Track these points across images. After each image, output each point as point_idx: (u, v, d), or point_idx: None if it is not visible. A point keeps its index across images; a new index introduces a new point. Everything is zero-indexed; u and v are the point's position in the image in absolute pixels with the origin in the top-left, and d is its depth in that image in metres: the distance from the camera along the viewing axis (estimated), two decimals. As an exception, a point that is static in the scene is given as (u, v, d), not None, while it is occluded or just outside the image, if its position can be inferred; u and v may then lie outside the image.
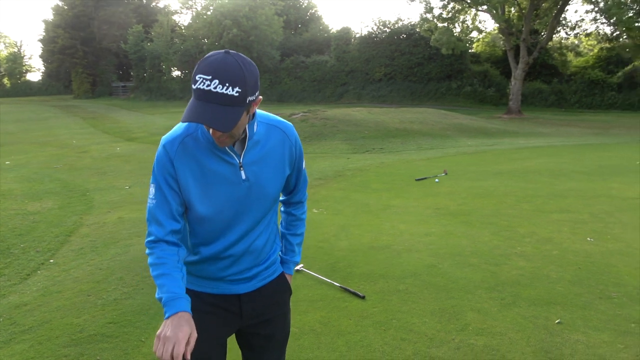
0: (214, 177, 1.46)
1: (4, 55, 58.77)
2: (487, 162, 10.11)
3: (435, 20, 26.46)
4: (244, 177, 1.49)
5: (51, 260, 4.97)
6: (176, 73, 41.72)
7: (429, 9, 26.39)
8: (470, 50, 31.24)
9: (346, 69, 34.72)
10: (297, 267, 4.19)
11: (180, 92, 39.51)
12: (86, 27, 44.32)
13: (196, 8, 40.75)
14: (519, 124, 20.21)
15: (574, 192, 6.98)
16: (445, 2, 25.77)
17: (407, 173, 8.88)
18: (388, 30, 34.23)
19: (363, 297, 3.57)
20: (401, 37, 33.55)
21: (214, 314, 1.59)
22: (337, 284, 3.81)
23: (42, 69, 54.72)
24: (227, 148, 1.44)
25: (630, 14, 21.42)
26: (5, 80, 55.77)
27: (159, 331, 1.33)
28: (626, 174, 8.36)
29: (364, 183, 8.22)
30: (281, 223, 1.82)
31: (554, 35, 26.11)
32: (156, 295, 1.42)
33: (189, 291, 1.50)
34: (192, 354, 1.34)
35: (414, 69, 32.55)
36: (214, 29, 35.11)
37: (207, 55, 1.32)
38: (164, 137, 1.49)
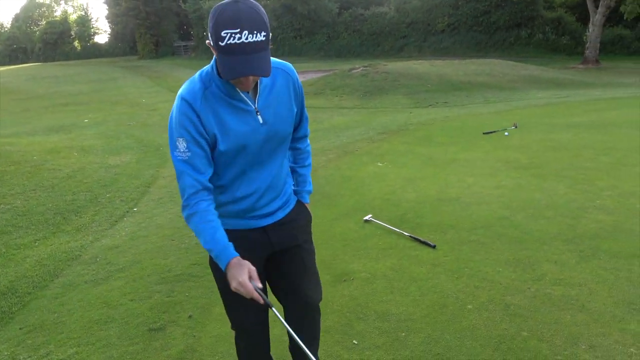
0: (235, 125, 1.52)
1: (73, 18, 61.40)
2: (560, 115, 9.53)
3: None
4: (261, 121, 1.57)
5: (135, 209, 5.36)
6: (234, 31, 41.96)
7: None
8: (543, -6, 28.88)
9: (407, 21, 33.29)
10: (366, 217, 4.26)
11: (239, 49, 39.78)
12: (148, -12, 45.16)
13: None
14: (596, 74, 18.74)
15: (660, 144, 6.47)
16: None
17: (474, 127, 8.59)
18: (453, -24, 32.21)
19: (434, 247, 3.60)
20: (467, -17, 31.49)
21: (245, 245, 1.65)
22: (407, 234, 3.85)
23: (109, 31, 56.79)
24: (242, 95, 1.51)
25: None
26: (76, 44, 58.53)
27: (232, 285, 1.47)
28: None
29: (428, 137, 8.05)
30: (289, 158, 1.89)
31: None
32: (204, 246, 1.54)
33: (228, 231, 1.60)
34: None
35: (480, 18, 30.63)
36: (271, -16, 34.64)
37: (219, 10, 1.32)
38: (184, 93, 1.51)
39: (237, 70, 1.35)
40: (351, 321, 2.73)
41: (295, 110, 1.70)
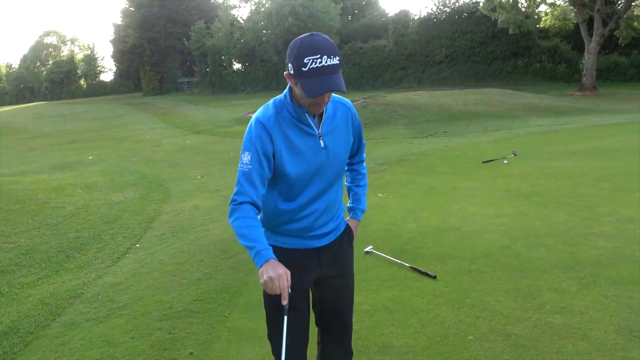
0: (301, 147, 1.74)
1: (80, 58, 63.00)
2: (560, 142, 9.62)
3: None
4: (322, 145, 1.77)
5: (137, 245, 5.39)
6: (237, 66, 42.83)
7: (492, -15, 25.17)
8: (537, 26, 29.49)
9: (405, 53, 34.00)
10: (367, 249, 4.27)
11: (242, 85, 40.52)
12: (152, 27, 46.48)
13: (254, 1, 41.45)
14: (594, 100, 18.94)
15: (660, 169, 6.50)
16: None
17: (474, 155, 8.66)
18: (448, 10, 33.06)
19: (434, 277, 3.60)
20: (462, 16, 32.28)
21: (297, 265, 1.79)
22: (407, 264, 3.85)
23: (114, 69, 58.12)
24: (309, 120, 1.73)
25: None
26: (82, 82, 59.84)
27: (263, 278, 1.60)
28: None
29: (429, 167, 8.12)
30: (346, 179, 2.11)
31: (633, 3, 24.06)
32: (245, 243, 1.67)
33: (276, 248, 1.75)
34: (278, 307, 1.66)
35: (477, 49, 31.25)
36: (273, 20, 35.61)
37: (298, 42, 1.58)
38: (259, 116, 1.73)
39: (320, 88, 1.57)
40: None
41: (352, 140, 1.92)
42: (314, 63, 1.53)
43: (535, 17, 26.87)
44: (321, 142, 1.76)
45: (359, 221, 2.10)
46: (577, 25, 25.20)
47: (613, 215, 4.67)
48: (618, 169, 6.74)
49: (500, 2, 24.76)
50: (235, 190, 1.73)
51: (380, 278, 3.72)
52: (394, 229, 4.92)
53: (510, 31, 25.08)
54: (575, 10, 24.25)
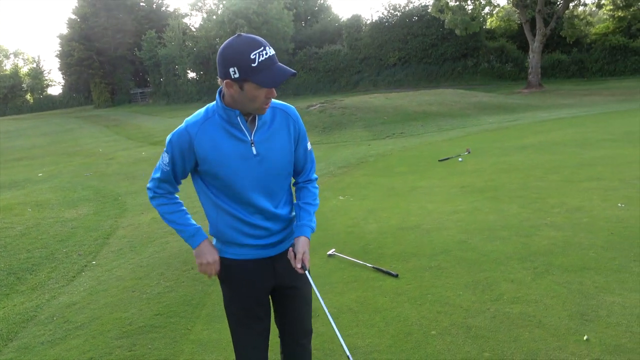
0: (229, 152, 1.71)
1: (25, 72, 60.30)
2: (511, 138, 10.00)
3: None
4: (254, 152, 1.74)
5: (93, 262, 5.20)
6: (191, 75, 42.19)
7: (440, -12, 25.96)
8: (484, 27, 30.63)
9: (359, 57, 34.51)
10: (330, 252, 4.29)
11: (197, 94, 39.93)
12: (100, 38, 45.14)
13: (206, 9, 41.00)
14: (540, 97, 19.82)
15: (603, 160, 6.88)
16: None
17: (430, 155, 8.88)
18: (399, 13, 33.84)
19: (396, 276, 3.65)
20: (413, 19, 33.12)
21: (253, 276, 1.88)
22: (370, 265, 3.90)
23: (62, 82, 56.01)
24: (242, 125, 1.71)
25: None
26: (28, 96, 57.27)
27: (198, 260, 1.84)
28: (655, 138, 8.17)
29: (388, 167, 8.26)
30: (296, 199, 2.01)
31: (571, 4, 25.38)
32: (176, 226, 1.85)
33: (233, 261, 1.86)
34: (243, 309, 1.88)
35: (428, 51, 32.13)
36: (226, 28, 35.32)
37: (230, 43, 1.57)
38: (188, 120, 1.75)
39: (278, 76, 1.58)
40: (318, 359, 2.72)
41: (294, 148, 1.85)
42: (261, 56, 1.54)
43: (481, 19, 27.88)
44: (253, 149, 1.73)
45: (308, 239, 1.88)
46: (521, 26, 26.36)
47: (562, 206, 4.89)
48: (564, 161, 7.07)
49: (447, 3, 25.56)
50: (153, 183, 1.84)
51: (344, 280, 3.74)
52: (355, 230, 4.96)
53: (458, 32, 25.94)
54: (518, 11, 25.34)
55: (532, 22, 24.29)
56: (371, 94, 21.45)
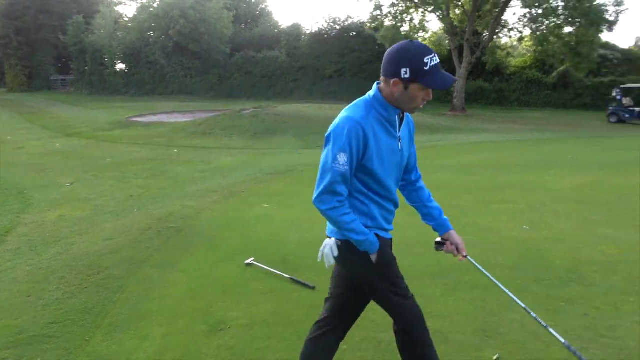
0: (385, 146, 1.89)
1: None
2: (433, 157, 10.45)
3: (383, 18, 26.92)
4: (400, 147, 1.96)
5: (-15, 261, 4.70)
6: (120, 66, 40.10)
7: (378, 6, 26.81)
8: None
9: (297, 65, 34.68)
10: (248, 261, 4.19)
11: (125, 86, 38.03)
12: (21, 16, 41.67)
13: (141, 0, 39.28)
14: (463, 120, 20.99)
15: (513, 184, 7.37)
16: (394, 1, 26.25)
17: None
18: (338, 27, 34.49)
19: (313, 288, 3.64)
20: (351, 34, 33.90)
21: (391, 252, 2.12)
22: (287, 276, 3.85)
23: (-29, 60, 50.91)
24: (396, 122, 1.90)
25: (560, 22, 22.81)
26: None
27: (374, 259, 1.98)
28: (559, 167, 8.92)
29: (315, 177, 8.28)
30: (414, 201, 2.29)
31: (494, 37, 27.25)
32: (356, 237, 1.92)
33: (379, 238, 2.02)
34: (397, 277, 2.10)
35: (364, 66, 32.99)
36: (161, 21, 34.08)
37: (406, 46, 1.77)
38: (354, 116, 1.83)
39: (447, 80, 1.78)
40: (225, 373, 2.62)
41: (413, 148, 2.11)
42: (432, 61, 1.74)
43: (414, 39, 29.10)
44: (399, 144, 1.94)
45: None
46: (450, 52, 27.83)
47: (474, 225, 5.16)
48: (479, 183, 7.50)
49: (383, 22, 26.49)
50: (331, 192, 1.87)
51: (260, 291, 3.66)
52: (277, 239, 4.90)
53: (387, 47, 26.90)
54: (449, 38, 26.79)
55: (460, 50, 25.76)
56: (305, 103, 21.59)
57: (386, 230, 2.06)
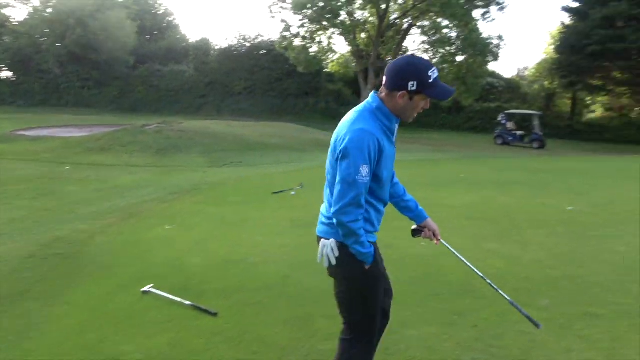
0: (388, 154, 2.04)
1: None
2: (340, 175, 10.72)
3: (292, 38, 27.44)
4: (395, 153, 2.14)
5: None
6: (6, 74, 36.42)
7: (287, 27, 27.30)
8: (325, 70, 33.01)
9: (205, 81, 34.04)
10: (145, 289, 3.92)
11: (11, 96, 34.55)
12: None
13: (33, 3, 36.19)
14: (369, 140, 21.87)
15: (413, 202, 7.75)
16: (304, 22, 26.90)
17: (265, 186, 8.99)
18: (248, 44, 34.52)
19: (215, 314, 3.49)
20: (261, 52, 34.08)
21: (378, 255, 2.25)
22: (188, 303, 3.66)
23: None
24: (395, 131, 2.07)
25: (453, 50, 24.97)
26: None
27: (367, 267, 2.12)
28: (453, 185, 9.59)
29: (222, 196, 8.09)
30: (396, 193, 2.42)
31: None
32: (362, 250, 2.05)
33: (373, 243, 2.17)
34: (383, 277, 2.30)
35: (274, 85, 33.28)
36: (56, 27, 31.63)
37: (412, 61, 1.95)
38: (368, 128, 1.95)
39: (448, 91, 1.99)
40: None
41: None
42: (434, 74, 1.93)
43: (322, 61, 30.05)
44: (395, 150, 2.12)
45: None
46: (357, 74, 29.06)
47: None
48: (383, 201, 7.79)
49: (292, 42, 27.02)
50: (356, 199, 1.95)
51: (157, 320, 3.43)
52: (177, 263, 4.66)
53: (300, 69, 27.49)
54: (355, 60, 27.97)
55: (366, 73, 26.99)
56: (213, 120, 21.17)
57: (377, 232, 2.23)
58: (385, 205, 2.21)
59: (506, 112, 25.38)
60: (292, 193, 8.24)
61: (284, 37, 27.58)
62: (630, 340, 3.15)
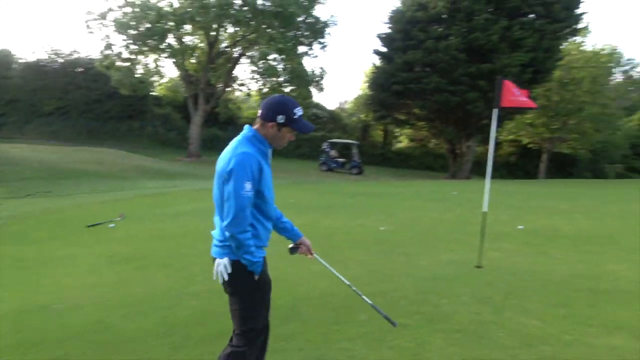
0: (267, 173, 2.35)
1: None
2: (168, 204, 10.18)
3: (115, 58, 25.52)
4: (271, 173, 2.41)
5: None
6: None
7: (109, 46, 25.29)
8: (152, 93, 31.41)
9: (5, 98, 29.35)
10: None
11: None
12: None
13: None
14: (199, 166, 21.38)
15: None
16: (128, 42, 25.20)
17: (79, 219, 8.02)
18: (62, 60, 30.96)
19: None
20: (77, 70, 30.86)
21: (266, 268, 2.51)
22: (-34, 367, 2.99)
23: None
24: (270, 155, 2.39)
25: (281, 79, 26.35)
26: None
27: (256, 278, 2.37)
28: (283, 210, 9.85)
29: (21, 233, 6.95)
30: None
31: (227, 89, 29.11)
32: (252, 259, 2.29)
33: (263, 259, 2.43)
34: (265, 284, 2.49)
35: (92, 105, 30.36)
36: None
37: (283, 99, 2.37)
38: (248, 152, 2.27)
39: (309, 127, 2.41)
40: None
41: None
42: (299, 111, 2.34)
43: (149, 84, 28.56)
44: (271, 171, 2.39)
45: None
46: (186, 99, 28.30)
47: (204, 274, 5.13)
48: (211, 228, 7.60)
49: (114, 62, 25.17)
50: (243, 212, 2.22)
51: None
52: (-46, 319, 3.80)
53: (124, 92, 25.72)
54: (184, 85, 27.25)
55: (196, 98, 26.48)
56: (15, 144, 18.28)
57: (265, 247, 2.46)
58: (272, 222, 2.51)
59: (329, 140, 27.46)
60: (111, 225, 7.50)
61: (105, 56, 25.47)
62: (432, 344, 3.57)
